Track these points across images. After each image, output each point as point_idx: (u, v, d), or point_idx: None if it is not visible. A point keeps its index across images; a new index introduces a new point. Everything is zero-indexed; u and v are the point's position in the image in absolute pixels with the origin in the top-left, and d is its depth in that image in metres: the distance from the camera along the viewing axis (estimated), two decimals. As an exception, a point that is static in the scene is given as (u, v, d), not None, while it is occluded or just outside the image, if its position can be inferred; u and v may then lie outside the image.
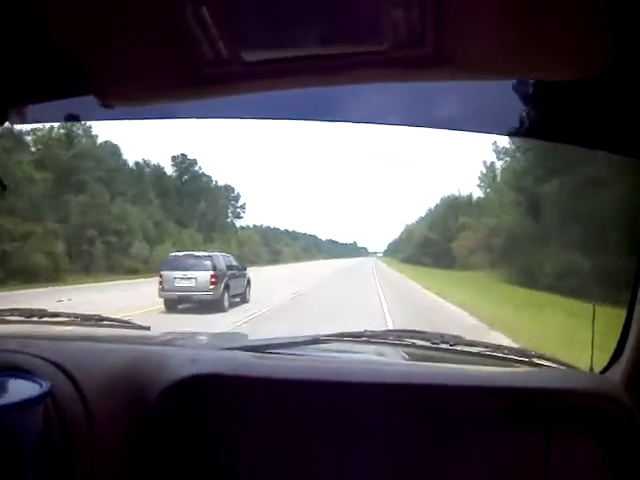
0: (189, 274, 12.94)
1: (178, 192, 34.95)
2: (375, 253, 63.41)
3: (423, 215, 43.01)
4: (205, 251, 15.40)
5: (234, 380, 1.38)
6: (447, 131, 1.49)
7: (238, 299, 13.99)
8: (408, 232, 46.13)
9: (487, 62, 1.09)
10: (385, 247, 65.75)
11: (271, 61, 1.07)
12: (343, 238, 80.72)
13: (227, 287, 13.35)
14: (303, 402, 1.38)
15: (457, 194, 36.04)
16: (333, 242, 65.45)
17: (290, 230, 50.92)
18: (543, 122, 1.45)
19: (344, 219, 72.20)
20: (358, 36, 1.02)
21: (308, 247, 54.38)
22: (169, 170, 35.99)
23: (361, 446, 1.35)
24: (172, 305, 12.80)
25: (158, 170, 34.32)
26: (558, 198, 18.38)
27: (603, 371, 1.52)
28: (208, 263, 13.49)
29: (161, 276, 12.96)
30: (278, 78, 1.13)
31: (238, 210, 41.74)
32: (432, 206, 41.49)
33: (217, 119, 1.43)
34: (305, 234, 55.57)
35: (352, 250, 65.45)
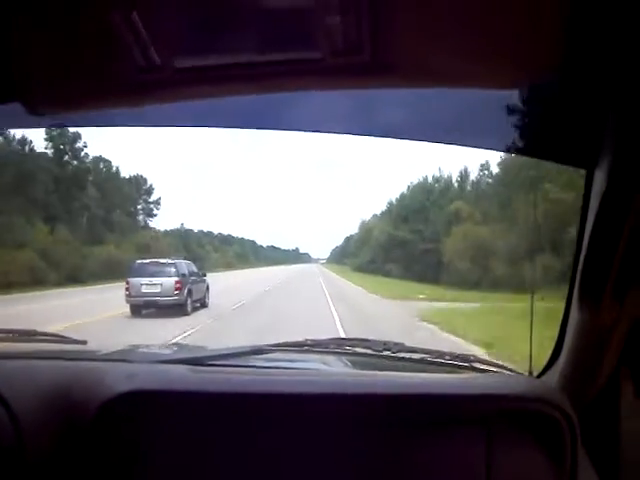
0: (155, 280, 13.16)
1: (55, 179, 26.15)
2: (318, 259, 60.73)
3: (385, 208, 34.29)
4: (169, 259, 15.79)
5: (171, 395, 1.30)
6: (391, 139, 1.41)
7: (198, 304, 14.31)
8: (365, 231, 37.50)
9: (427, 70, 1.05)
10: (328, 254, 62.47)
11: (205, 68, 1.01)
12: (285, 244, 77.17)
13: (190, 292, 13.68)
14: (242, 416, 1.30)
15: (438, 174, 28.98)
16: (274, 248, 61.40)
17: (225, 234, 45.56)
18: (485, 130, 1.40)
19: (286, 224, 67.62)
20: (294, 43, 0.97)
21: (244, 253, 48.79)
22: (40, 146, 26.72)
23: (304, 458, 1.29)
24: (137, 310, 12.99)
25: (22, 144, 25.41)
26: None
27: (540, 375, 1.52)
28: (172, 270, 13.82)
29: (128, 282, 13.14)
30: (213, 85, 1.07)
31: (151, 206, 34.19)
32: (397, 196, 33.13)
33: (153, 127, 1.33)
34: (242, 239, 50.41)
35: (294, 256, 62.04)
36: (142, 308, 13.00)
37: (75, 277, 22.00)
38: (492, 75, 1.07)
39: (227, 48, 0.97)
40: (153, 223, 34.17)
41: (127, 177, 33.55)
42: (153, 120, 1.33)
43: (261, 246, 57.11)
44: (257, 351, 1.60)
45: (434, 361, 1.62)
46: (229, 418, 1.29)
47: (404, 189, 34.86)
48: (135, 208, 34.46)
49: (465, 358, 1.63)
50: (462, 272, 21.36)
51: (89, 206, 28.12)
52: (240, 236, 49.72)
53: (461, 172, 28.84)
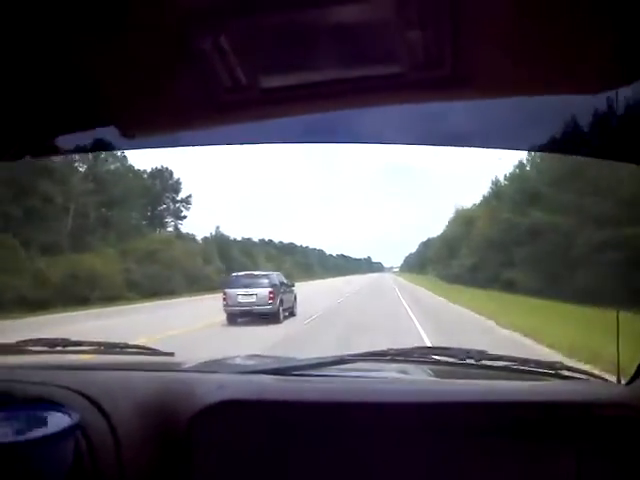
0: (250, 291, 13.67)
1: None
2: (391, 268, 57.70)
3: (490, 191, 24.58)
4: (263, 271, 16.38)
5: (261, 405, 1.30)
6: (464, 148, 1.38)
7: (287, 313, 14.53)
8: (461, 225, 26.81)
9: (504, 81, 1.04)
10: (401, 262, 58.83)
11: (288, 87, 1.03)
12: (356, 252, 73.80)
13: (281, 302, 14.08)
14: (329, 424, 1.28)
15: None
16: (344, 257, 57.93)
17: (286, 242, 41.60)
18: (561, 136, 1.33)
19: (356, 232, 66.74)
20: (375, 59, 0.96)
21: (308, 263, 43.24)
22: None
23: (388, 466, 1.25)
24: (233, 319, 13.54)
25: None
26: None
27: (629, 382, 1.40)
28: (265, 281, 14.35)
29: (225, 293, 13.78)
30: (296, 103, 1.08)
31: (178, 205, 27.59)
32: (511, 168, 21.96)
33: (235, 145, 1.37)
34: (307, 247, 46.42)
35: (366, 265, 58.98)
36: (238, 317, 13.47)
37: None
38: (567, 82, 1.05)
39: (311, 67, 0.98)
40: (186, 228, 27.51)
41: (148, 170, 27.04)
42: (235, 138, 1.35)
43: (330, 255, 54.18)
44: (341, 361, 1.57)
45: (519, 368, 1.53)
46: (316, 426, 1.27)
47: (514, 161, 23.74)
48: (154, 208, 27.62)
49: (551, 365, 1.53)
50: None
51: (72, 202, 22.08)
52: (305, 245, 46.83)
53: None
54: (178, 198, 28.72)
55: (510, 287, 19.01)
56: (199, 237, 28.85)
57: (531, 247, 18.92)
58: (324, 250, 52.33)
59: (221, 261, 26.06)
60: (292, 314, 14.80)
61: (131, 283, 21.48)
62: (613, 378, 1.46)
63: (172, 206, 28.53)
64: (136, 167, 27.33)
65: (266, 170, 57.00)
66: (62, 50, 0.97)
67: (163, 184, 28.36)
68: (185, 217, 29.01)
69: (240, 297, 13.58)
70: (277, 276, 15.29)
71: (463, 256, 26.38)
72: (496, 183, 25.64)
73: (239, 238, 31.44)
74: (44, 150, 1.24)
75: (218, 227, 30.49)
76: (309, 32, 0.92)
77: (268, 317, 13.16)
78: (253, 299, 13.52)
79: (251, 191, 57.72)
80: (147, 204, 28.32)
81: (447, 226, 33.99)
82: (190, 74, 1.01)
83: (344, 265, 54.20)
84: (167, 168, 27.85)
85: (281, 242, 41.16)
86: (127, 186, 25.93)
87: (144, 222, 28.00)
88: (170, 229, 29.32)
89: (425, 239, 44.61)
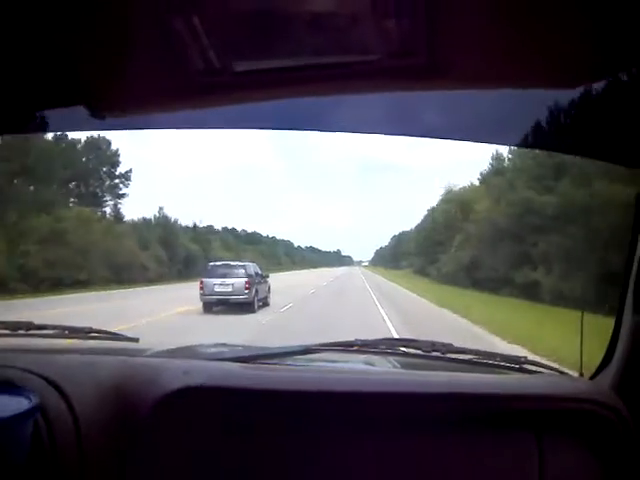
0: (227, 281, 13.82)
1: None
2: (360, 262, 55.80)
3: (493, 165, 19.50)
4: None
5: (226, 392, 1.27)
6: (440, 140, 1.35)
7: (261, 303, 14.73)
8: (458, 204, 21.11)
9: (479, 72, 1.03)
10: (372, 255, 56.29)
11: (262, 71, 1.00)
12: (326, 245, 70.85)
13: (257, 292, 14.29)
14: (293, 412, 1.26)
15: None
16: (314, 249, 55.03)
17: (250, 232, 37.97)
18: (535, 131, 1.32)
19: (327, 225, 62.74)
20: (350, 46, 0.95)
21: (275, 254, 39.57)
22: None
23: (352, 456, 1.24)
24: (209, 307, 13.70)
25: None
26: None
27: (593, 376, 1.42)
28: (242, 271, 14.51)
29: (201, 282, 13.89)
30: (269, 88, 1.06)
31: (116, 181, 22.56)
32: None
33: (207, 129, 1.32)
34: (274, 238, 42.94)
35: (335, 258, 56.68)
36: (214, 305, 13.67)
37: None
38: (544, 76, 1.04)
39: (285, 51, 0.96)
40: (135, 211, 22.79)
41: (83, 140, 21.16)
42: (208, 122, 1.31)
43: (300, 247, 51.25)
44: (307, 350, 1.56)
45: (484, 362, 1.53)
46: (279, 415, 1.26)
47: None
48: (87, 183, 22.37)
49: (516, 360, 1.52)
50: None
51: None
52: (272, 235, 43.29)
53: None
54: (117, 173, 23.22)
55: (530, 292, 13.22)
56: (137, 218, 24.22)
57: (560, 236, 12.14)
58: (292, 242, 49.76)
59: (163, 247, 21.82)
60: (266, 304, 15.03)
61: (28, 271, 16.94)
62: (576, 374, 1.47)
63: (109, 182, 23.23)
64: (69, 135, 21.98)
65: (235, 156, 55.58)
66: (31, 28, 0.93)
67: (99, 157, 22.86)
68: (124, 195, 23.72)
69: (217, 286, 13.74)
70: (253, 267, 15.47)
71: (458, 249, 19.75)
72: (496, 157, 20.02)
73: (192, 224, 26.81)
74: (11, 128, 1.19)
75: (162, 208, 24.30)
76: (284, 16, 0.90)
77: (243, 306, 13.36)
78: (229, 288, 13.69)
79: (216, 177, 54.34)
80: (77, 178, 22.94)
81: (432, 212, 26.94)
82: (162, 55, 0.98)
83: (313, 258, 52.44)
84: (104, 137, 22.62)
85: (244, 231, 38.24)
86: (43, 154, 20.03)
87: (73, 199, 22.49)
88: (108, 210, 24.23)
89: (398, 232, 42.16)
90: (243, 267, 14.91)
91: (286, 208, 58.11)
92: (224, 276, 14.00)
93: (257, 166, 58.34)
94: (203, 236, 26.66)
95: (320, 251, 57.37)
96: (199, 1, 0.87)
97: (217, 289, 13.70)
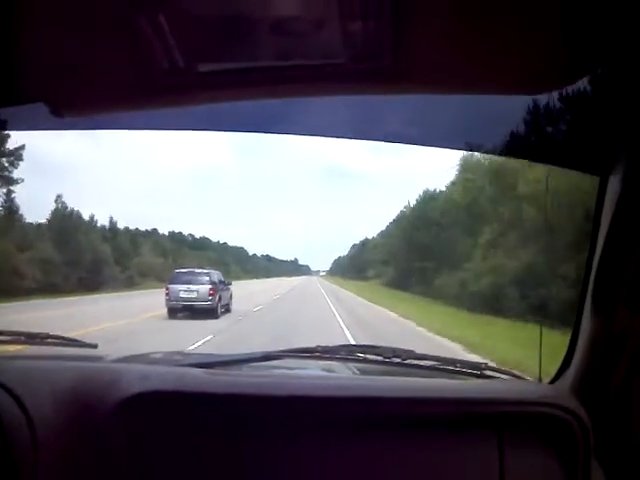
0: (192, 287, 14.05)
1: None
2: (318, 272, 52.75)
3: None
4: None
5: (184, 397, 1.23)
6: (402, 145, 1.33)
7: (224, 309, 15.00)
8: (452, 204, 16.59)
9: (443, 77, 1.02)
10: (330, 265, 53.97)
11: (226, 72, 0.99)
12: (282, 254, 65.08)
13: (220, 298, 14.56)
14: (252, 418, 1.23)
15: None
16: (269, 258, 51.62)
17: (197, 236, 35.37)
18: (498, 137, 1.32)
19: (285, 234, 59.53)
20: (315, 49, 0.94)
21: (224, 262, 33.09)
22: None
23: (311, 459, 1.21)
24: (173, 313, 13.86)
25: None
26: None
27: (552, 381, 1.42)
28: (206, 278, 14.76)
29: (167, 289, 14.11)
30: (234, 89, 1.04)
31: (3, 160, 16.19)
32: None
33: (172, 130, 1.26)
34: (225, 244, 39.79)
35: (293, 268, 52.72)
36: (179, 312, 13.81)
37: None
38: (509, 82, 1.04)
39: (250, 53, 0.95)
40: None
41: None
42: (172, 124, 1.27)
43: (255, 255, 48.15)
44: (267, 357, 1.54)
45: (445, 368, 1.51)
46: (237, 420, 1.22)
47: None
48: None
49: (476, 366, 1.51)
50: None
51: None
52: (222, 241, 39.69)
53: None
54: (2, 150, 16.84)
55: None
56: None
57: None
58: (246, 249, 46.15)
59: (60, 250, 17.17)
60: (228, 310, 15.34)
61: None
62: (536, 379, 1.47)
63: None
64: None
65: (189, 156, 52.26)
66: None
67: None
68: (18, 181, 17.95)
69: (182, 292, 13.93)
70: (217, 275, 15.79)
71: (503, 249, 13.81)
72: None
73: (107, 222, 22.95)
74: None
75: (60, 196, 19.34)
76: (251, 18, 0.88)
77: (207, 312, 13.54)
78: (194, 295, 13.90)
79: (167, 178, 50.42)
80: None
81: (408, 211, 22.75)
82: (126, 54, 0.96)
83: (269, 266, 49.83)
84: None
85: (192, 235, 35.28)
86: None
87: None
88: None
89: (359, 240, 39.87)
90: (207, 274, 15.25)
91: (242, 214, 55.43)
92: (189, 283, 14.21)
93: (213, 168, 56.69)
94: (125, 237, 22.51)
95: (276, 260, 54.52)
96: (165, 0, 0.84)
97: (182, 295, 13.90)
